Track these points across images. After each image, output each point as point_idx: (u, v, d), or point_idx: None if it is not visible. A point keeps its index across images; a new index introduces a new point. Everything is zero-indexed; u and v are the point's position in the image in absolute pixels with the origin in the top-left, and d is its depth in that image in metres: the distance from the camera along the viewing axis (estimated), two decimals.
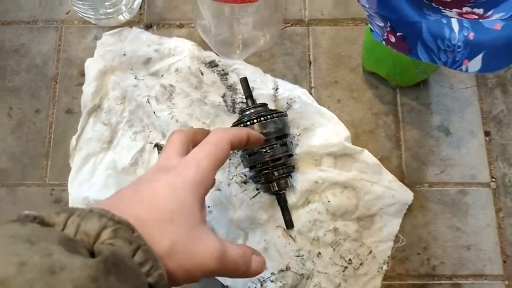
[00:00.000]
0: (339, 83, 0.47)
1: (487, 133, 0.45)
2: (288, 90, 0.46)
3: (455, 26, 0.30)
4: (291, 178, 0.41)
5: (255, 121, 0.39)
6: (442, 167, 0.44)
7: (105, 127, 0.45)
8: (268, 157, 0.39)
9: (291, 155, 0.42)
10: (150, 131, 0.45)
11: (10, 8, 0.49)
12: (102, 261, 0.18)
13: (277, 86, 0.46)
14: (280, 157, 0.39)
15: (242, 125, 0.39)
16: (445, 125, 0.45)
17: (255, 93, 0.45)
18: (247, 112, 0.40)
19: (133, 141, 0.45)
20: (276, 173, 0.39)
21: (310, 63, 0.48)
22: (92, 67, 0.46)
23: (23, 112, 0.46)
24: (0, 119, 0.46)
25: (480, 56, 0.29)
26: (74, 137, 0.45)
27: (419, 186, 0.44)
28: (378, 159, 0.44)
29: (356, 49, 0.48)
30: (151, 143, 0.45)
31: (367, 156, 0.43)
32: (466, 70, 0.31)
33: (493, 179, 0.44)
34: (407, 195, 0.42)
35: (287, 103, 0.45)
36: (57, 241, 0.18)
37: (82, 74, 0.47)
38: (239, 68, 0.47)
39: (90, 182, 0.42)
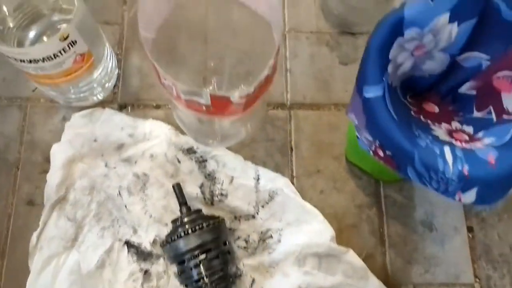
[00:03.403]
0: (322, 172, 0.45)
1: (470, 229, 0.44)
2: (270, 181, 0.44)
3: (448, 157, 0.29)
4: None
5: (189, 231, 0.36)
6: (426, 266, 0.43)
7: (70, 222, 0.41)
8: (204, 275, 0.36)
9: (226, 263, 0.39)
10: (119, 226, 0.41)
11: None
12: None
13: (258, 175, 0.44)
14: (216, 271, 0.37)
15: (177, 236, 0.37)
16: (429, 220, 0.44)
17: (235, 182, 0.43)
18: (183, 220, 0.38)
19: (100, 238, 0.41)
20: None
21: (292, 149, 0.46)
22: (58, 154, 0.42)
23: None
24: None
25: (475, 190, 0.28)
26: (35, 234, 0.40)
27: None
28: (363, 258, 0.42)
29: (339, 136, 0.46)
30: (120, 240, 0.41)
31: (353, 257, 0.41)
32: (459, 200, 0.29)
33: (477, 280, 0.43)
34: None
35: (269, 195, 0.43)
36: None
37: (47, 159, 0.43)
38: (218, 155, 0.44)
39: None
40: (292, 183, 0.44)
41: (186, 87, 0.27)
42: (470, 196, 0.29)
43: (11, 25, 0.33)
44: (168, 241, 0.37)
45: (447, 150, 0.29)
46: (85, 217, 0.41)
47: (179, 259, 0.37)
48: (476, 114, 0.34)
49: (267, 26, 0.32)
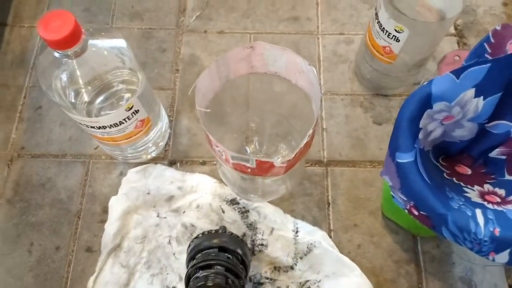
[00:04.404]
0: (359, 227, 0.47)
1: (511, 287, 0.44)
2: (308, 234, 0.46)
3: (480, 219, 0.30)
4: None
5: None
6: None
7: (123, 269, 0.45)
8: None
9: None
10: (167, 274, 0.45)
11: (40, 142, 0.52)
12: None
13: (297, 228, 0.46)
14: None
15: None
16: (468, 276, 0.45)
17: (275, 233, 0.46)
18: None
19: (150, 284, 0.44)
20: None
21: (329, 204, 0.48)
22: (116, 206, 0.47)
23: (44, 248, 0.46)
24: (21, 256, 0.46)
25: (508, 251, 0.30)
26: (92, 279, 0.44)
27: None
28: None
29: (374, 191, 0.48)
30: (167, 287, 0.44)
31: None
32: (493, 260, 0.31)
33: None
34: None
35: (307, 247, 0.45)
36: None
37: (105, 210, 0.48)
38: (260, 206, 0.47)
39: None
40: (330, 236, 0.46)
41: (236, 154, 0.31)
42: (503, 257, 0.30)
43: (85, 99, 0.39)
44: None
45: (478, 212, 0.31)
46: (137, 264, 0.45)
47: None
48: (508, 177, 0.35)
49: (305, 95, 0.36)
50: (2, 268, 0.46)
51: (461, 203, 0.32)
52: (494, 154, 0.35)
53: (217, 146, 0.32)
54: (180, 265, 0.45)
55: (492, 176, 0.36)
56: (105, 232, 0.46)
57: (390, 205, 0.45)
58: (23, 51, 0.57)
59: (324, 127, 0.52)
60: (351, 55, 0.56)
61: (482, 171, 0.37)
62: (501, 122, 0.34)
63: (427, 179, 0.32)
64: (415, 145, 0.33)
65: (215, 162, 0.50)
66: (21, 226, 0.47)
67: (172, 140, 0.52)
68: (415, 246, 0.46)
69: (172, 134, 0.52)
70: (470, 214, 0.31)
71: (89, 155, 0.51)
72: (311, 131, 0.31)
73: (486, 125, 0.35)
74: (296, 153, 0.31)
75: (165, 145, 0.51)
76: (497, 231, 0.29)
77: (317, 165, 0.50)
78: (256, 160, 0.31)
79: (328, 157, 0.50)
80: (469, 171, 0.37)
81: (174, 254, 0.45)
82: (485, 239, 0.30)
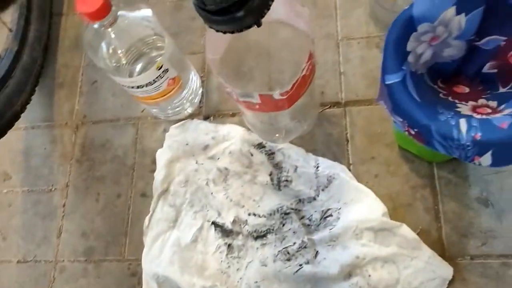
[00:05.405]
0: (376, 159, 0.51)
1: None
2: (328, 168, 0.51)
3: (463, 127, 0.33)
4: None
5: None
6: (483, 239, 0.45)
7: (171, 208, 0.53)
8: None
9: None
10: (207, 210, 0.52)
11: (98, 110, 0.61)
12: None
13: (318, 164, 0.51)
14: None
15: None
16: (484, 196, 0.47)
17: (299, 170, 0.51)
18: None
19: (194, 219, 0.52)
20: None
21: (348, 141, 0.52)
22: (161, 157, 0.55)
23: (108, 197, 0.56)
24: (90, 204, 0.56)
25: (489, 153, 0.32)
26: (147, 218, 0.53)
27: (460, 259, 0.45)
28: (418, 233, 0.46)
29: (390, 125, 0.51)
30: (208, 221, 0.52)
31: (406, 230, 0.46)
32: (480, 164, 0.33)
33: None
34: (447, 271, 0.44)
35: (327, 179, 0.50)
36: None
37: (154, 162, 0.56)
38: (284, 148, 0.53)
39: (159, 259, 0.50)
40: (349, 170, 0.51)
41: (239, 90, 0.36)
42: (486, 159, 0.33)
43: (123, 62, 0.46)
44: None
45: (462, 121, 0.34)
46: (182, 203, 0.53)
47: None
48: (501, 89, 0.37)
49: (306, 38, 0.40)
50: (78, 214, 0.56)
51: (449, 116, 0.35)
52: (485, 69, 0.37)
53: (226, 88, 0.38)
54: (217, 203, 0.52)
55: (488, 92, 0.38)
56: (155, 179, 0.55)
57: (400, 135, 0.48)
58: (76, 36, 0.67)
59: (342, 70, 0.55)
60: None
61: (480, 88, 0.39)
62: (491, 38, 0.36)
63: (417, 98, 0.36)
64: (404, 67, 0.36)
65: (241, 114, 0.56)
66: (89, 180, 0.58)
67: (205, 98, 0.58)
68: (431, 172, 0.49)
69: (204, 92, 0.59)
70: (453, 123, 0.34)
71: (138, 118, 0.60)
72: (304, 64, 0.36)
73: (477, 42, 0.37)
74: (294, 85, 0.36)
75: (199, 102, 0.58)
76: (478, 136, 0.32)
77: (335, 106, 0.54)
78: (258, 94, 0.36)
79: (345, 98, 0.54)
80: (467, 90, 0.39)
81: (212, 193, 0.52)
82: (467, 143, 0.33)
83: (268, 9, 0.29)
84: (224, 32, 0.29)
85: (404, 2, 0.49)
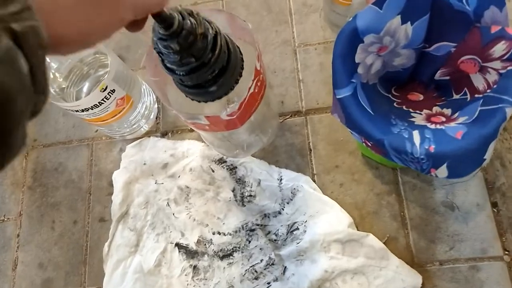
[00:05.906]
0: (340, 167, 0.50)
1: (494, 204, 0.45)
2: (291, 180, 0.49)
3: (416, 139, 0.32)
4: None
5: None
6: (451, 244, 0.45)
7: (132, 232, 0.50)
8: None
9: None
10: (170, 232, 0.50)
11: (49, 132, 0.58)
12: None
13: (281, 176, 0.50)
14: None
15: None
16: (449, 200, 0.46)
17: (262, 184, 0.49)
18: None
19: (156, 242, 0.49)
20: None
21: (311, 150, 0.51)
22: (118, 178, 0.52)
23: (64, 224, 0.53)
24: (46, 233, 0.53)
25: (445, 165, 0.31)
26: (106, 244, 0.50)
27: (430, 265, 0.44)
28: (386, 240, 0.45)
29: None
30: (171, 243, 0.49)
31: (373, 240, 0.45)
32: (436, 177, 0.32)
33: (506, 252, 0.43)
34: (416, 279, 0.43)
35: (291, 192, 0.49)
36: None
37: (111, 184, 0.53)
38: (246, 162, 0.51)
39: (121, 286, 0.48)
40: (314, 180, 0.49)
41: (185, 114, 0.34)
42: (442, 171, 0.32)
43: (64, 86, 0.43)
44: None
45: (415, 133, 0.32)
46: (143, 226, 0.50)
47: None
48: (455, 96, 0.36)
49: (251, 54, 0.38)
50: (33, 244, 0.53)
51: (402, 128, 0.34)
52: (437, 76, 0.36)
53: (172, 110, 0.36)
54: (180, 223, 0.50)
55: (443, 98, 0.37)
56: (113, 203, 0.52)
57: (361, 144, 0.47)
58: None
59: (300, 78, 0.54)
60: (321, 3, 0.57)
61: (434, 95, 0.38)
62: (441, 44, 0.35)
63: (370, 110, 0.34)
64: (353, 80, 0.34)
65: None
66: (43, 208, 0.54)
67: (162, 113, 0.56)
68: (395, 178, 0.48)
69: (160, 108, 0.56)
70: (406, 136, 0.32)
71: (91, 138, 0.57)
72: (251, 83, 0.34)
73: (427, 49, 0.36)
74: (242, 104, 0.34)
75: (156, 118, 0.55)
76: (432, 148, 0.31)
77: (296, 115, 0.53)
78: (204, 116, 0.34)
79: (306, 106, 0.53)
80: (421, 97, 0.38)
81: (173, 214, 0.50)
82: (422, 156, 0.31)
83: (237, 83, 0.33)
84: (199, 101, 0.34)
85: (357, 6, 0.48)
